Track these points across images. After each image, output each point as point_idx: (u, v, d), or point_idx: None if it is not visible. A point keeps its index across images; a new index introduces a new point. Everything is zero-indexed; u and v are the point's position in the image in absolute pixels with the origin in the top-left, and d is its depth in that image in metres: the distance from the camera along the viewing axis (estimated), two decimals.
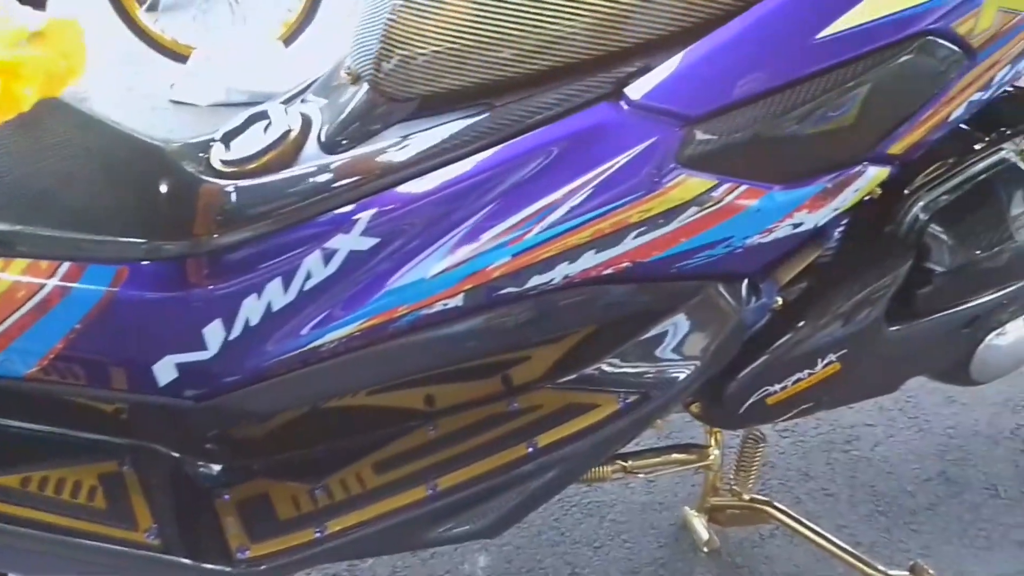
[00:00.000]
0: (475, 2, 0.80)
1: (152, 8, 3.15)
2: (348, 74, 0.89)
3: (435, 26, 0.81)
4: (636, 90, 0.79)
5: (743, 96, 0.78)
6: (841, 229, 0.93)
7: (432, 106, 0.83)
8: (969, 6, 0.78)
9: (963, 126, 0.97)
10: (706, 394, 0.97)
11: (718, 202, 0.81)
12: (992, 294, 0.99)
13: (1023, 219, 0.96)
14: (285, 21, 3.12)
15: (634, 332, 0.90)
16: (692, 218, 0.81)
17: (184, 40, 3.07)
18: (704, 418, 1.01)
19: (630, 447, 1.01)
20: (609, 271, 0.84)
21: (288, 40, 3.10)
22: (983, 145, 0.97)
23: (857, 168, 0.84)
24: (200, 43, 3.03)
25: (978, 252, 0.96)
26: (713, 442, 1.15)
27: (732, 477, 1.19)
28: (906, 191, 0.95)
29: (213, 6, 3.26)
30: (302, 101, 0.93)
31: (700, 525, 1.25)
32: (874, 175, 0.85)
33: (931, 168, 0.96)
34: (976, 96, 0.85)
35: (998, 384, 1.24)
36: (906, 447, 1.44)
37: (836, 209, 0.85)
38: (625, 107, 0.79)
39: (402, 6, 0.82)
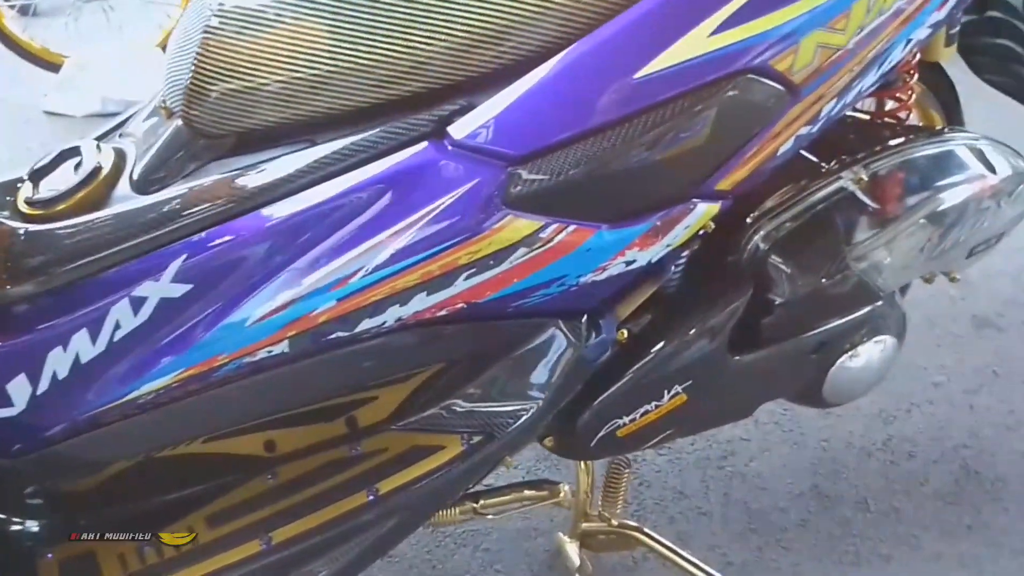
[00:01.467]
0: (289, 35, 0.77)
1: (24, 13, 3.01)
2: (162, 108, 0.84)
3: (248, 59, 0.77)
4: (459, 129, 0.76)
5: (565, 136, 0.76)
6: (681, 261, 0.92)
7: (249, 143, 0.79)
8: (786, 43, 0.78)
9: (806, 154, 0.98)
10: (558, 428, 0.95)
11: (547, 243, 0.79)
12: (836, 321, 0.99)
13: (861, 248, 0.97)
14: (164, 27, 3.01)
15: (479, 371, 0.88)
16: (522, 259, 0.79)
17: (56, 48, 2.94)
18: (558, 451, 0.99)
19: (482, 485, 0.98)
20: (444, 312, 0.81)
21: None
22: (823, 173, 0.97)
23: (686, 205, 0.83)
24: (73, 51, 2.91)
25: (817, 281, 0.96)
26: (583, 467, 1.13)
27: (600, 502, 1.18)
28: (748, 220, 0.95)
29: (86, 13, 3.12)
30: (120, 136, 0.88)
31: (573, 551, 1.23)
32: (704, 211, 0.84)
33: (774, 195, 0.95)
34: (804, 130, 0.85)
35: (872, 395, 1.25)
36: (780, 461, 1.45)
37: (668, 245, 0.85)
38: (449, 147, 0.76)
39: (211, 36, 0.77)
